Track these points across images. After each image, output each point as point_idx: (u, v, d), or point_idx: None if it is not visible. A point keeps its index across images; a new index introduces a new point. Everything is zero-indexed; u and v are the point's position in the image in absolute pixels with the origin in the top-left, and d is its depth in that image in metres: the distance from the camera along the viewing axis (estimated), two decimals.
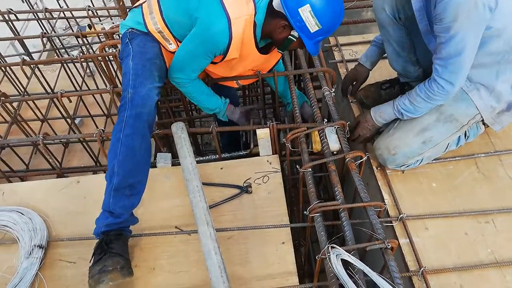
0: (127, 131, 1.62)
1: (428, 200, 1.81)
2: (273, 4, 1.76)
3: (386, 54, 2.04)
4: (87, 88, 2.99)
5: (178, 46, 1.88)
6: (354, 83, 2.21)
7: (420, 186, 1.86)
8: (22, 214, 1.76)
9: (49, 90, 2.83)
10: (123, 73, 1.80)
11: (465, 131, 1.85)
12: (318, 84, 2.21)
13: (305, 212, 1.58)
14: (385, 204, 1.71)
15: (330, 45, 2.66)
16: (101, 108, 2.78)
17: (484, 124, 1.86)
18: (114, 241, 1.54)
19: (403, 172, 1.90)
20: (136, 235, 1.70)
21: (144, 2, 1.93)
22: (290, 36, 1.76)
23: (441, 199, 1.81)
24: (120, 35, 2.00)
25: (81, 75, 2.98)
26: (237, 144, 2.87)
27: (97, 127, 2.72)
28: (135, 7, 1.97)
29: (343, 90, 2.28)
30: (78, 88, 2.97)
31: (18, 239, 1.69)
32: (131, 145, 1.62)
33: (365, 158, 1.68)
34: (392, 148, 1.82)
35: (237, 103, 2.59)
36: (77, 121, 2.87)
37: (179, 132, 1.87)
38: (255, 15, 1.75)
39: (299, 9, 1.65)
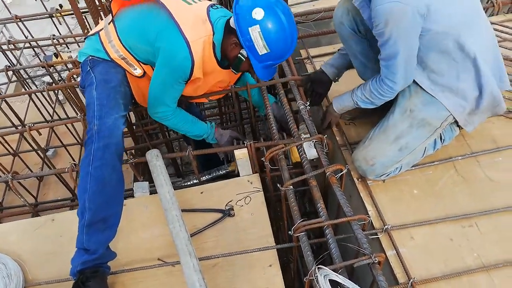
0: (95, 164, 1.57)
1: (410, 208, 1.80)
2: (230, 21, 1.78)
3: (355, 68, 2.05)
4: (58, 118, 2.90)
5: (143, 70, 1.85)
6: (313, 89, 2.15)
7: (401, 194, 1.86)
8: None
9: (18, 123, 2.74)
10: (87, 104, 1.73)
11: (440, 134, 1.87)
12: (293, 97, 2.20)
13: (289, 232, 1.55)
14: (369, 216, 1.69)
15: (301, 58, 2.65)
16: (74, 137, 2.71)
17: (458, 126, 1.87)
18: (90, 279, 1.49)
19: (384, 182, 1.90)
20: (117, 271, 1.63)
21: (101, 30, 1.87)
22: (239, 55, 1.77)
23: (424, 205, 1.81)
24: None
25: (51, 105, 2.90)
26: (216, 159, 2.83)
27: (71, 156, 2.65)
28: (92, 34, 1.92)
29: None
30: (49, 118, 2.88)
31: None
32: (101, 178, 1.57)
33: (345, 170, 1.66)
34: (370, 159, 1.81)
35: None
36: (50, 152, 2.79)
37: (154, 160, 1.82)
38: (213, 35, 1.75)
39: (249, 28, 1.66)
